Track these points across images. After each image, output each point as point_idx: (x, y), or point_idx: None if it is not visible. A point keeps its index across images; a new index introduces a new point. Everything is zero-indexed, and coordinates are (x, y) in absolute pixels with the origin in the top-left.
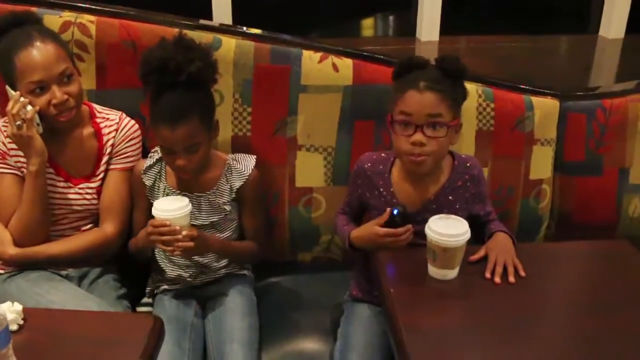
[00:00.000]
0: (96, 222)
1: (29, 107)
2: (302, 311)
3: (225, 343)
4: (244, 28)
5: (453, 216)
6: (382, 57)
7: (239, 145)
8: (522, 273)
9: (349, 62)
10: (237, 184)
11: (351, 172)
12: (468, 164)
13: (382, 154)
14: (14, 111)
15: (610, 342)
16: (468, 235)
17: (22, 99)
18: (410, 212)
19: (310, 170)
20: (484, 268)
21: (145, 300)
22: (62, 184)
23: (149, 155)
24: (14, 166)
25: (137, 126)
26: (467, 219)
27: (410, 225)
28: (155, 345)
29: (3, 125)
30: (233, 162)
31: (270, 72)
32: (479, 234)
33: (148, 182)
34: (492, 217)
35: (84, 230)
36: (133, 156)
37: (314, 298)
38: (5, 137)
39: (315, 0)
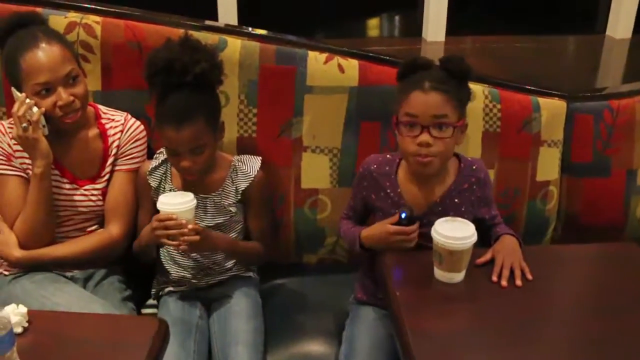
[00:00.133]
0: (101, 224)
1: (35, 109)
2: (307, 313)
3: (230, 345)
4: (250, 29)
5: (459, 219)
6: (388, 57)
7: (244, 147)
8: (529, 276)
9: (354, 63)
10: (243, 185)
11: (357, 174)
12: (474, 167)
13: (388, 156)
14: (20, 113)
15: (618, 344)
16: (475, 238)
17: (27, 100)
18: (416, 214)
19: (315, 172)
20: (490, 271)
21: (150, 302)
22: (67, 186)
23: (155, 156)
24: (19, 168)
25: (142, 127)
26: (472, 222)
27: (417, 224)
28: (160, 348)
29: (8, 127)
30: (238, 163)
31: (275, 73)
32: (484, 237)
33: (153, 184)
34: (497, 221)
35: (89, 232)
36: (138, 157)
37: (320, 300)
38: (11, 139)
39: (320, 1)
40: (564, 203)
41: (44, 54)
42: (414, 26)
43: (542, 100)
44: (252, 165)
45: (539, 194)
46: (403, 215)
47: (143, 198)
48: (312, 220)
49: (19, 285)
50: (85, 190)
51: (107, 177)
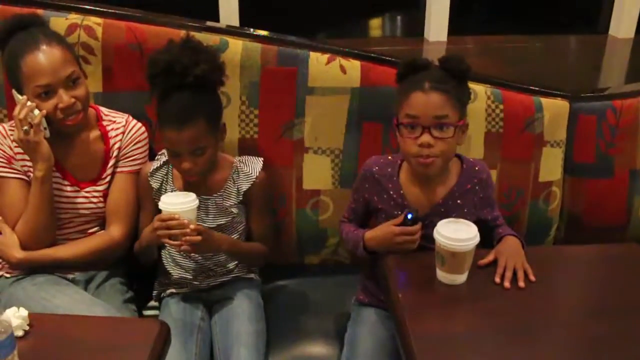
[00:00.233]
0: (102, 226)
1: (36, 112)
2: (309, 315)
3: (232, 347)
4: (251, 30)
5: (462, 220)
6: (390, 58)
7: (245, 148)
8: (532, 278)
9: (356, 63)
10: (244, 186)
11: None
12: (477, 168)
13: (389, 157)
14: (21, 116)
15: (621, 346)
16: (477, 239)
17: (29, 103)
18: (419, 215)
19: (317, 173)
20: (493, 272)
21: (152, 303)
22: (68, 188)
23: (156, 157)
24: (20, 170)
25: (143, 129)
26: (474, 223)
27: (420, 224)
28: (161, 351)
29: (9, 130)
30: (240, 164)
31: (277, 74)
32: (487, 238)
33: (155, 185)
34: (500, 222)
35: (90, 234)
36: (140, 159)
37: (322, 301)
38: (12, 142)
39: (322, 1)
40: (566, 204)
41: (45, 56)
42: (416, 26)
43: (544, 101)
44: (253, 166)
45: (541, 195)
46: (409, 216)
47: (144, 200)
48: (314, 221)
49: (21, 287)
50: (86, 192)
51: (108, 179)
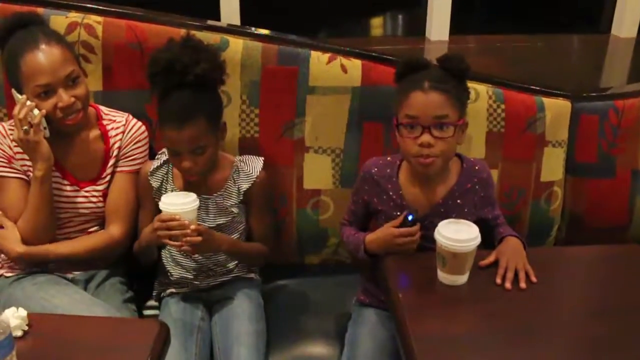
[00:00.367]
0: (102, 225)
1: (36, 112)
2: (309, 315)
3: (232, 347)
4: (252, 29)
5: (463, 220)
6: (391, 57)
7: (246, 147)
8: (533, 278)
9: (357, 63)
10: (245, 186)
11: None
12: (477, 167)
13: (388, 158)
14: (21, 116)
15: (622, 347)
16: (478, 240)
17: (28, 102)
18: (419, 216)
19: (318, 172)
20: (494, 273)
21: (152, 303)
22: (68, 187)
23: (156, 157)
24: (19, 170)
25: (144, 128)
26: (475, 223)
27: (419, 225)
28: (160, 351)
29: (9, 129)
30: (240, 163)
31: (277, 73)
32: (487, 238)
33: (155, 184)
34: (500, 221)
35: (90, 233)
36: (140, 158)
37: (322, 301)
38: (11, 141)
39: (323, 0)
40: (568, 204)
41: (44, 55)
42: (417, 25)
43: (546, 100)
44: (254, 165)
45: (543, 195)
46: (410, 218)
47: (144, 199)
48: (315, 221)
49: (20, 287)
50: (86, 191)
51: (108, 178)
